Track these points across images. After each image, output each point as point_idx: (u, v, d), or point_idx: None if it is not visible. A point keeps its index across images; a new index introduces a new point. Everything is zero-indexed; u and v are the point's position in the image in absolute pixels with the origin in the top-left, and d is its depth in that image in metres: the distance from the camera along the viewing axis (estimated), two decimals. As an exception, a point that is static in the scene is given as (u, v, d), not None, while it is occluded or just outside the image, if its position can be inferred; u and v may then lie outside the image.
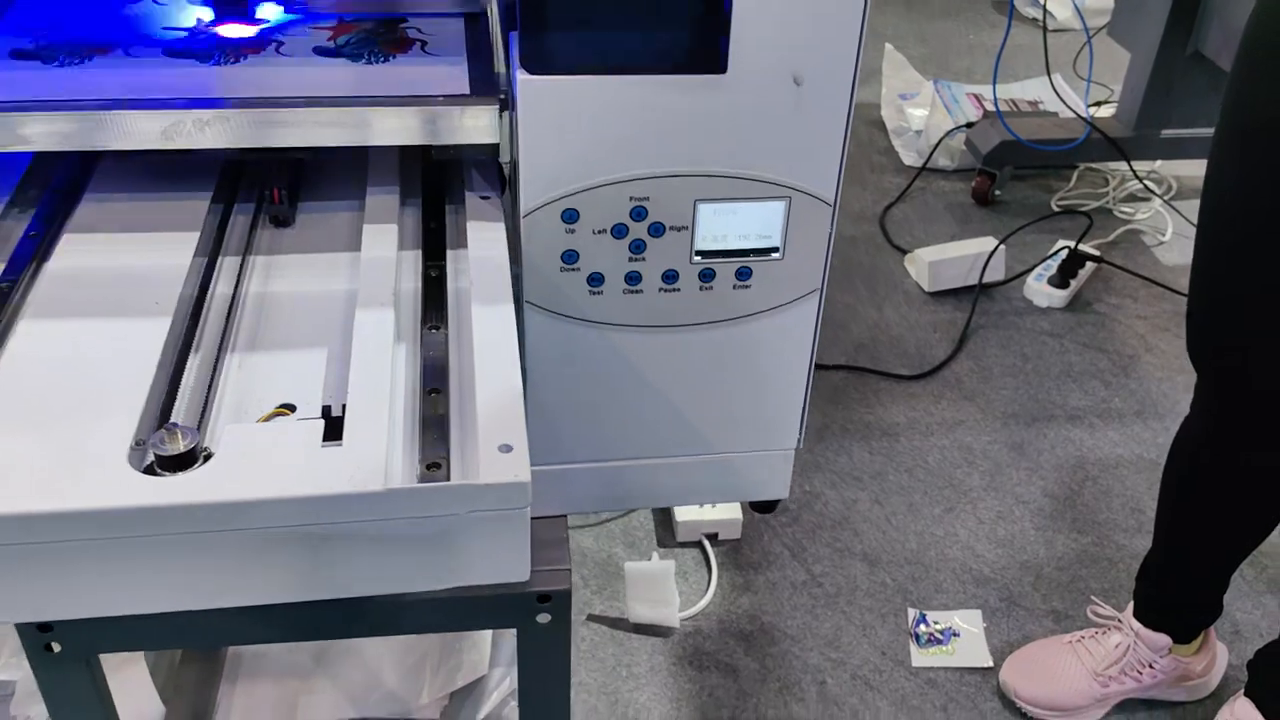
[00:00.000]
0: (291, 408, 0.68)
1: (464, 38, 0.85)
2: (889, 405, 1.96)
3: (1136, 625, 1.40)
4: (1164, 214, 2.46)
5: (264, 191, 0.83)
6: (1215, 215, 1.11)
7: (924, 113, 2.66)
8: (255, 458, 0.61)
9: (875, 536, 1.70)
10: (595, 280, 0.82)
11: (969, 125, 2.55)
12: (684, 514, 1.66)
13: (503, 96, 0.78)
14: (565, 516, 0.91)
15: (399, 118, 0.76)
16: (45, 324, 0.70)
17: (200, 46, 0.82)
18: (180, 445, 0.60)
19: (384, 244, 0.78)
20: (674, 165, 0.78)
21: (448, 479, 0.61)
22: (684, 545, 1.67)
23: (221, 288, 0.76)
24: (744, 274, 0.84)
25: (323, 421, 0.63)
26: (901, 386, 2.00)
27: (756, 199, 0.81)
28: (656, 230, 0.81)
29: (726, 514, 1.66)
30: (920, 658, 1.52)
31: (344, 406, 0.64)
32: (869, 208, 2.48)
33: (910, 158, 2.63)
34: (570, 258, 0.81)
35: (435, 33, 0.86)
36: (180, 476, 0.59)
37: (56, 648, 0.76)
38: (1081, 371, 2.05)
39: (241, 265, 0.78)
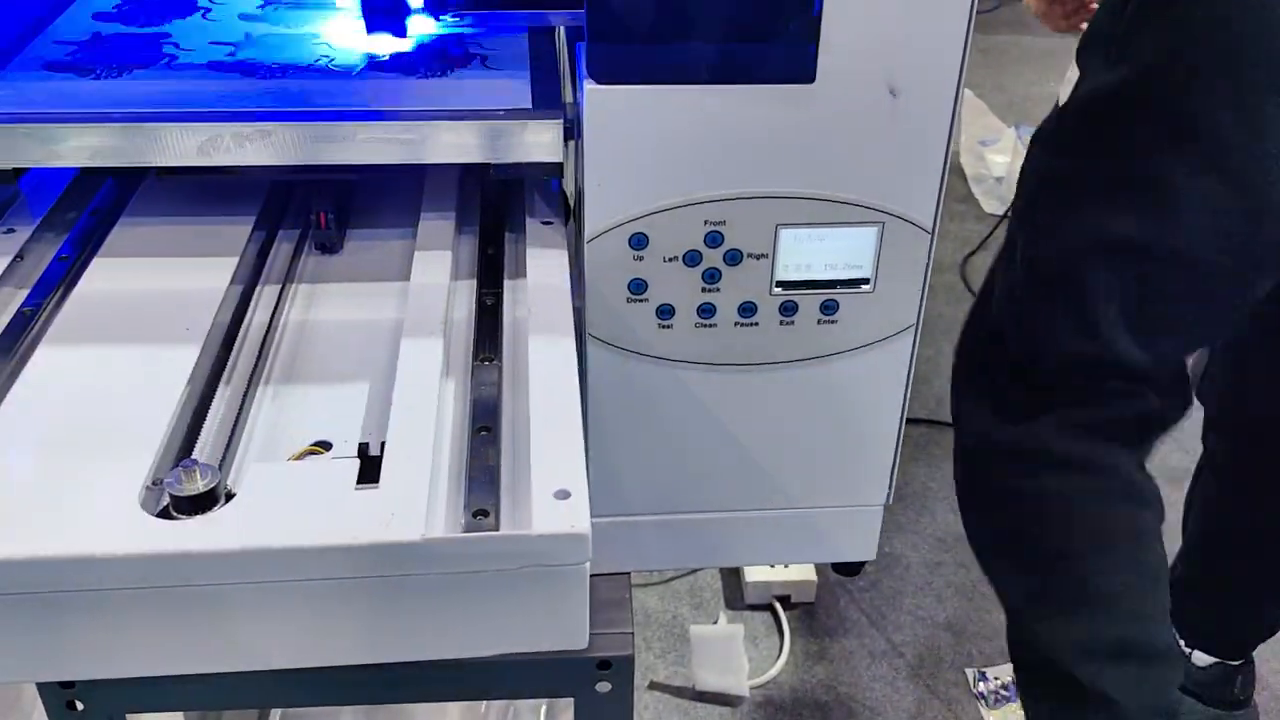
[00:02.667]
0: (326, 445, 0.61)
1: (527, 53, 0.79)
2: (973, 463, 1.85)
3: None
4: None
5: (310, 216, 0.77)
6: None
7: (1005, 159, 2.57)
8: (280, 501, 0.54)
9: (960, 604, 1.59)
10: (665, 313, 0.75)
11: (1053, 172, 2.46)
12: (754, 574, 1.57)
13: (568, 124, 0.71)
14: (628, 574, 0.83)
15: (455, 133, 0.69)
16: (65, 352, 0.64)
17: (244, 62, 0.77)
18: (198, 485, 0.54)
19: (436, 271, 0.72)
20: (754, 186, 0.71)
21: (496, 528, 0.54)
22: (754, 608, 1.57)
23: (259, 316, 0.70)
24: (830, 307, 0.76)
25: (358, 461, 0.56)
26: (986, 443, 1.89)
27: (845, 224, 0.73)
28: (733, 258, 0.73)
29: (800, 575, 1.56)
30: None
31: (382, 445, 0.57)
32: (949, 256, 2.38)
33: (991, 205, 2.53)
34: (638, 287, 0.74)
35: (496, 48, 0.80)
36: (194, 520, 0.52)
37: (80, 707, 0.71)
38: (1180, 429, 1.92)
39: (281, 292, 0.72)
